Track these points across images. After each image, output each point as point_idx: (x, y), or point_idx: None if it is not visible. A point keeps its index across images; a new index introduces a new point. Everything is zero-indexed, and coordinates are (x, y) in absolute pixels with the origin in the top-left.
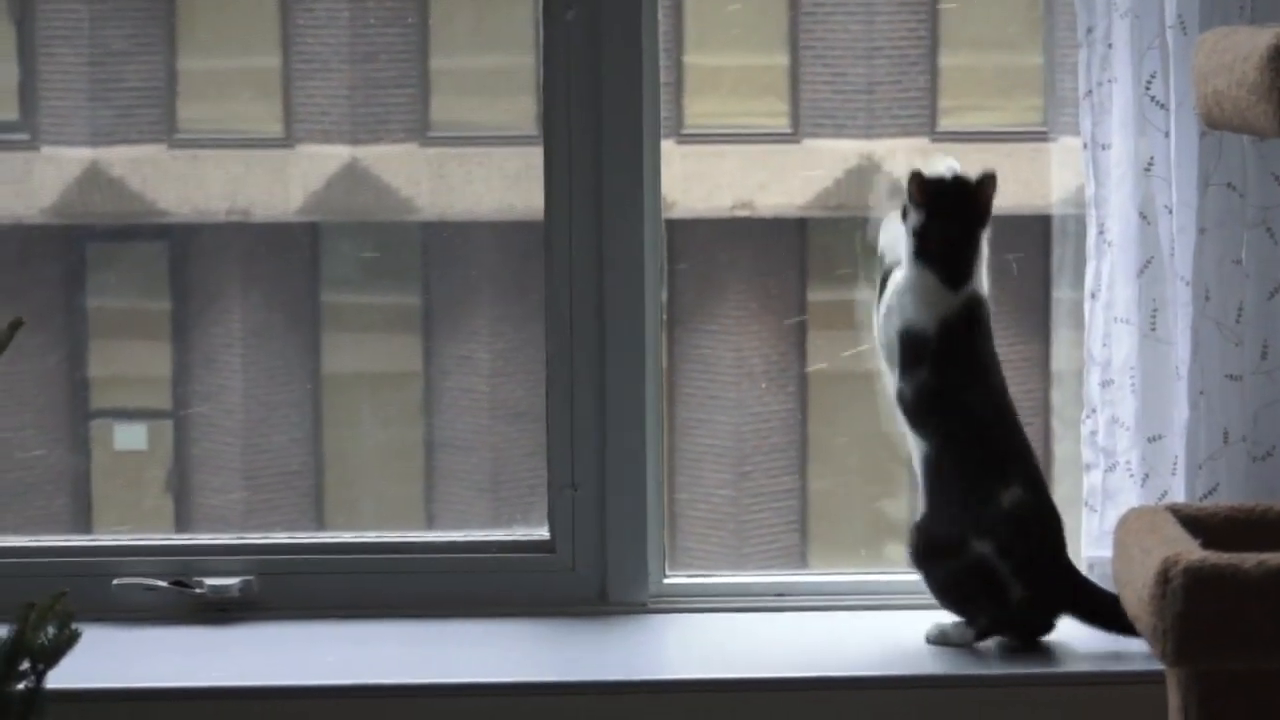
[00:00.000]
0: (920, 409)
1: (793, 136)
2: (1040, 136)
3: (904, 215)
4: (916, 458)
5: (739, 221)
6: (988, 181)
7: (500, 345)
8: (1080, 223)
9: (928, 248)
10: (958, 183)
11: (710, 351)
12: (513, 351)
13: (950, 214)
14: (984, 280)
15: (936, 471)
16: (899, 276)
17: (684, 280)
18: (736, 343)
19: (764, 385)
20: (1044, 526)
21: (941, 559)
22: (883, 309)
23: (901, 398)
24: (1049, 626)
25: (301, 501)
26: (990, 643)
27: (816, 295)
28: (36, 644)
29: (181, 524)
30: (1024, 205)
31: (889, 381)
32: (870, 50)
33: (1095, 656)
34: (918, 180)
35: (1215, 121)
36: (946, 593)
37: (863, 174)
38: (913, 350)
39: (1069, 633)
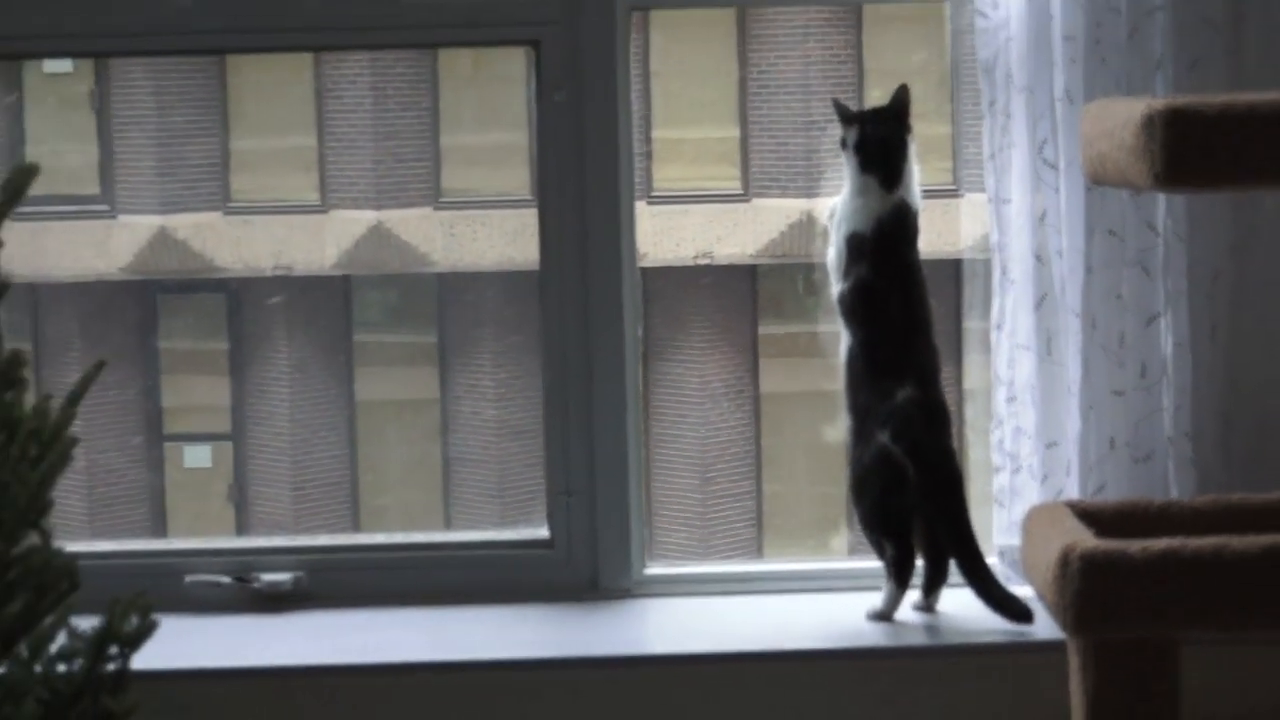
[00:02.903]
0: (855, 302)
1: (744, 196)
2: (951, 194)
3: (843, 145)
4: (843, 350)
5: (700, 269)
6: (900, 91)
7: (503, 375)
8: (986, 265)
9: (870, 155)
10: (874, 107)
11: (679, 377)
12: (514, 380)
13: (880, 122)
14: (916, 192)
15: (854, 368)
16: (845, 190)
17: (656, 318)
18: (701, 369)
19: (724, 405)
20: (928, 415)
21: (860, 455)
22: (835, 221)
23: (841, 296)
24: (943, 574)
25: (341, 508)
26: (919, 620)
27: (766, 329)
28: (122, 632)
29: (241, 529)
30: (938, 251)
31: (834, 290)
32: (808, 124)
33: (1006, 630)
34: (840, 106)
35: (1099, 178)
36: (862, 489)
37: (804, 228)
38: (856, 249)
39: (981, 611)
